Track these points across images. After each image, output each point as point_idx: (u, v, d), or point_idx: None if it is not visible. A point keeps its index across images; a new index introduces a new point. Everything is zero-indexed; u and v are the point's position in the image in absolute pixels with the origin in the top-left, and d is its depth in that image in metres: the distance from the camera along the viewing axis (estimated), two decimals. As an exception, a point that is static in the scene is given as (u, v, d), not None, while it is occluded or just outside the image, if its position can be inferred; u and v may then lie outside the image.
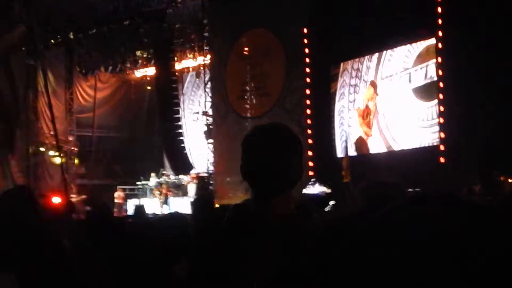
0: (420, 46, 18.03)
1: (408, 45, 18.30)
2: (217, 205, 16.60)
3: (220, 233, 2.97)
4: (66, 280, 4.11)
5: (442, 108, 17.05)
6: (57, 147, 25.29)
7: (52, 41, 27.64)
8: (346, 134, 19.59)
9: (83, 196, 25.70)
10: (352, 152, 19.14)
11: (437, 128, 17.30)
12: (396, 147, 18.45)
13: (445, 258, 1.18)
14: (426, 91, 17.71)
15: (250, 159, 2.94)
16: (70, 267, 4.38)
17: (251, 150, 2.96)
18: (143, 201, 25.31)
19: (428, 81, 17.67)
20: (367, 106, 19.40)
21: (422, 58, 17.94)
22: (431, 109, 17.52)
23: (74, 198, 25.53)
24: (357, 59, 19.88)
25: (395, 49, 18.66)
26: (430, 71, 17.65)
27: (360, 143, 19.37)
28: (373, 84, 19.30)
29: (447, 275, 1.16)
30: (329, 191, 16.96)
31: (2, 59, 26.02)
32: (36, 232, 4.22)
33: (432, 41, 17.47)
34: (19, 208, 4.28)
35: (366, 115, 19.36)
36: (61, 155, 27.82)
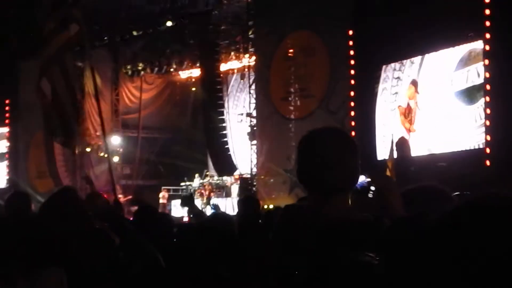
0: (463, 50, 17.85)
1: (451, 47, 18.11)
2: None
3: (269, 232, 2.99)
4: (113, 271, 4.17)
5: (488, 111, 16.87)
6: (105, 149, 25.51)
7: (98, 42, 27.89)
8: (389, 135, 19.44)
9: (129, 197, 25.89)
10: (394, 153, 18.98)
11: (479, 131, 17.13)
12: (437, 149, 18.28)
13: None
14: (468, 95, 17.51)
15: (308, 159, 2.97)
16: (117, 258, 4.44)
17: (309, 150, 2.97)
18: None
19: (470, 85, 17.48)
20: (408, 105, 19.27)
21: (464, 62, 17.75)
22: (473, 112, 17.33)
23: (120, 198, 25.72)
24: (399, 61, 19.73)
25: (437, 52, 18.49)
26: (471, 75, 17.42)
27: (402, 143, 19.12)
28: (414, 83, 19.13)
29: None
30: (369, 179, 16.81)
31: (58, 58, 26.23)
32: (80, 226, 4.31)
33: (475, 45, 17.28)
34: (66, 206, 4.37)
35: (407, 113, 19.23)
36: (108, 155, 28.07)
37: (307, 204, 2.98)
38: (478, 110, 17.13)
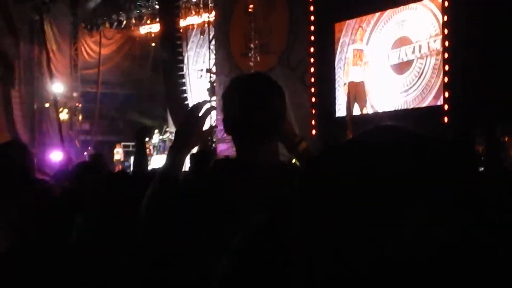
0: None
1: (410, 4, 18.10)
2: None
3: (204, 182, 2.91)
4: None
5: (447, 67, 16.99)
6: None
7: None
8: (347, 91, 19.50)
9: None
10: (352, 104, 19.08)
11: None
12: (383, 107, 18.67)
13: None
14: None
15: (236, 108, 2.89)
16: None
17: (235, 96, 2.90)
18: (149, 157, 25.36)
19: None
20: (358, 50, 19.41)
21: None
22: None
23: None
24: (357, 19, 19.69)
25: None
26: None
27: (356, 87, 19.37)
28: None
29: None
30: None
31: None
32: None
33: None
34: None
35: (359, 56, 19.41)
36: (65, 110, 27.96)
37: (240, 152, 2.93)
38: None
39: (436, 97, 17.39)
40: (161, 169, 3.02)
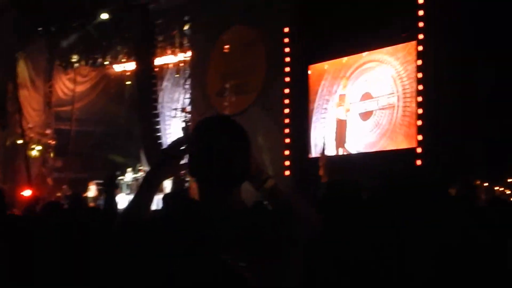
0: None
1: (385, 48, 18.40)
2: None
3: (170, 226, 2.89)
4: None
5: (420, 111, 17.12)
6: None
7: (33, 32, 27.54)
8: (323, 133, 19.62)
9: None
10: (331, 144, 19.22)
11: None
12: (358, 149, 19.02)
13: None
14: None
15: (199, 154, 2.88)
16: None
17: (201, 142, 2.89)
18: (119, 196, 25.25)
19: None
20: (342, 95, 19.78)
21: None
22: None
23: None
24: (336, 60, 19.92)
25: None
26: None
27: (340, 125, 19.74)
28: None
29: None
30: None
31: None
32: None
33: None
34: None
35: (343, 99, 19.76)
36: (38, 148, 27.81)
37: (205, 194, 2.92)
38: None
39: (399, 140, 17.89)
40: (125, 209, 3.00)
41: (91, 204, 23.01)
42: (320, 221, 2.97)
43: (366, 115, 19.01)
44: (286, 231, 2.82)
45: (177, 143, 3.07)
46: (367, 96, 19.08)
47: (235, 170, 2.86)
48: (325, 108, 20.10)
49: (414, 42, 17.63)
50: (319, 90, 20.26)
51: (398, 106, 18.21)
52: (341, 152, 19.47)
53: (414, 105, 17.59)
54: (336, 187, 4.08)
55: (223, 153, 2.83)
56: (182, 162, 3.04)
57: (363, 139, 19.06)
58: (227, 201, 2.86)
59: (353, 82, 19.44)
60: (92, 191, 25.94)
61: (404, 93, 18.02)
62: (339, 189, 4.02)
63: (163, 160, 3.06)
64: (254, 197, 3.26)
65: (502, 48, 15.34)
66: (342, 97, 19.73)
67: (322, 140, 18.89)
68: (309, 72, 20.47)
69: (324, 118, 20.10)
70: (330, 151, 19.11)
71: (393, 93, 18.38)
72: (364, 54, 19.14)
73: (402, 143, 18.02)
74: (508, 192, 15.10)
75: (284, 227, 2.82)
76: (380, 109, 18.67)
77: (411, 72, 17.77)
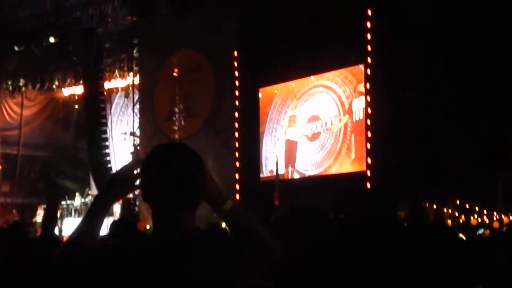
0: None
1: (333, 71, 18.61)
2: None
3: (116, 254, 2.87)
4: None
5: (369, 134, 17.26)
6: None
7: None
8: (275, 154, 19.69)
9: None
10: (281, 164, 19.29)
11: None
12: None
13: None
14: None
15: (152, 178, 2.89)
16: None
17: (154, 169, 2.89)
18: (68, 220, 25.02)
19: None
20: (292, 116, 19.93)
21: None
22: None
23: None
24: (284, 84, 20.06)
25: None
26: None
27: (290, 146, 19.99)
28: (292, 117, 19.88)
29: None
30: None
31: None
32: None
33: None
34: None
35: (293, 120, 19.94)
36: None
37: (153, 223, 2.92)
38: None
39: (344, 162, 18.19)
40: (72, 234, 2.98)
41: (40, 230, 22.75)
42: (279, 248, 2.97)
43: (313, 136, 19.29)
44: (240, 277, 2.80)
45: (128, 167, 3.07)
46: (314, 118, 19.35)
47: (188, 193, 2.86)
48: (275, 129, 20.21)
49: (358, 67, 17.91)
50: (269, 112, 20.36)
51: (341, 129, 18.64)
52: (290, 171, 19.65)
53: (358, 127, 17.87)
54: (298, 214, 4.07)
55: (175, 176, 2.84)
56: (133, 185, 3.04)
57: (310, 159, 19.36)
58: (180, 225, 2.84)
59: (302, 104, 19.62)
60: (40, 216, 25.65)
61: (348, 117, 18.46)
62: (302, 216, 4.01)
63: (114, 183, 3.06)
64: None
65: (450, 69, 15.55)
66: (292, 117, 19.89)
67: (274, 161, 18.89)
68: (260, 95, 20.52)
69: (275, 138, 20.21)
70: (281, 171, 19.15)
71: (337, 116, 18.78)
72: (312, 78, 19.33)
73: (348, 165, 18.28)
74: (456, 213, 15.28)
75: (238, 271, 2.80)
76: (325, 131, 19.06)
77: (353, 97, 18.33)
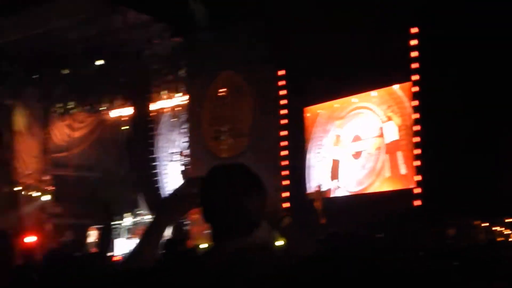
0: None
1: (378, 89, 18.61)
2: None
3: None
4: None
5: (419, 151, 17.21)
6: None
7: (29, 80, 27.64)
8: (319, 172, 19.70)
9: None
10: (327, 183, 19.29)
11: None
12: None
13: None
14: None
15: (213, 201, 2.92)
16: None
17: (214, 191, 2.91)
18: (117, 241, 25.21)
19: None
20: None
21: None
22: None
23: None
24: (328, 104, 20.10)
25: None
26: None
27: (334, 164, 20.01)
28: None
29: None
30: None
31: None
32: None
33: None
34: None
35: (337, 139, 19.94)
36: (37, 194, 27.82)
37: (215, 242, 2.94)
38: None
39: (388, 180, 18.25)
40: (130, 254, 3.03)
41: (93, 250, 22.99)
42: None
43: (357, 155, 19.38)
44: None
45: (186, 186, 3.11)
46: (356, 138, 19.48)
47: (250, 217, 2.90)
48: (320, 147, 20.23)
49: (400, 86, 17.95)
50: (313, 131, 20.38)
51: (379, 148, 18.84)
52: (334, 188, 19.72)
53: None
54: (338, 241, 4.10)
55: (238, 200, 2.88)
56: (192, 205, 3.07)
57: (353, 177, 19.46)
58: (240, 247, 2.89)
59: (345, 124, 19.80)
60: (92, 236, 25.88)
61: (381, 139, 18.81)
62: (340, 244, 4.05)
63: (172, 203, 3.10)
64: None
65: (499, 84, 15.45)
66: (337, 137, 19.89)
67: (319, 179, 18.90)
68: (307, 114, 20.58)
69: (319, 156, 20.24)
70: (326, 189, 19.18)
71: (375, 136, 19.01)
72: (355, 100, 19.53)
73: (391, 183, 18.40)
74: (507, 231, 15.09)
75: None
76: (366, 150, 19.23)
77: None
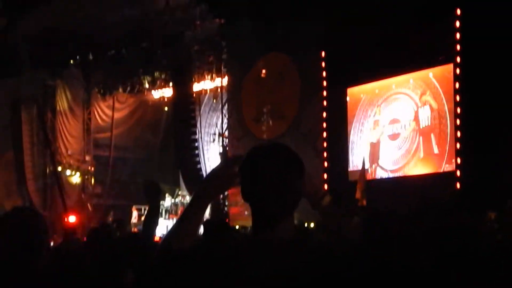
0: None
1: (421, 70, 18.50)
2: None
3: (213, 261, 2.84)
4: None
5: (459, 134, 17.09)
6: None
7: (71, 61, 27.86)
8: (362, 154, 19.65)
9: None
10: (367, 165, 19.29)
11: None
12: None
13: None
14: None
15: (253, 181, 2.87)
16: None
17: (254, 171, 2.89)
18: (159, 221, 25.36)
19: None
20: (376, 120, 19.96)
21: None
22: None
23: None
24: (370, 89, 20.06)
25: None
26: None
27: (373, 147, 20.06)
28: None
29: None
30: None
31: None
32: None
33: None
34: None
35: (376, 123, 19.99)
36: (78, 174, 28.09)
37: (254, 225, 2.90)
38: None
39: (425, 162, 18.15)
40: (169, 234, 3.03)
41: (134, 230, 23.18)
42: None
43: (394, 137, 19.50)
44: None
45: (226, 165, 3.10)
46: (394, 121, 19.53)
47: (289, 194, 2.85)
48: (361, 131, 20.20)
49: (440, 69, 17.86)
50: (356, 115, 20.35)
51: (415, 130, 18.95)
52: (373, 169, 19.90)
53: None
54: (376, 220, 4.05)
55: (276, 180, 2.82)
56: (231, 184, 3.06)
57: (391, 158, 19.65)
58: (280, 227, 2.83)
59: (384, 108, 19.82)
60: (134, 216, 26.10)
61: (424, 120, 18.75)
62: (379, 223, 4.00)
63: (212, 181, 3.10)
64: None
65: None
66: (376, 122, 19.87)
67: (361, 161, 18.82)
68: (347, 98, 20.52)
69: (360, 140, 20.21)
70: (366, 170, 19.13)
71: (411, 120, 19.19)
72: (393, 86, 19.59)
73: (425, 164, 18.51)
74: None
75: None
76: (403, 132, 19.35)
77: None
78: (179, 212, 24.93)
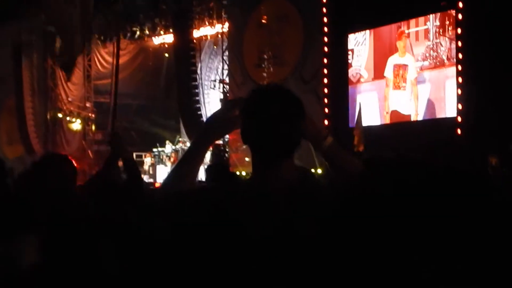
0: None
1: (423, 16, 18.34)
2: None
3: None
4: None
5: (460, 80, 17.02)
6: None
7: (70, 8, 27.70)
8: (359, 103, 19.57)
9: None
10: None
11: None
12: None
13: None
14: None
15: (253, 122, 2.86)
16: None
17: (254, 113, 2.87)
18: (159, 168, 25.45)
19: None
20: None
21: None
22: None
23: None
24: (375, 29, 19.87)
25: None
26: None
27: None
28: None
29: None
30: None
31: None
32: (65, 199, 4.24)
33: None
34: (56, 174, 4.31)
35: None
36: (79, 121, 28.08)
37: (255, 168, 2.92)
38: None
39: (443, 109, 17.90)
40: (168, 178, 3.02)
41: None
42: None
43: (398, 86, 19.27)
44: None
45: (226, 108, 3.11)
46: (399, 68, 19.26)
47: (289, 136, 2.84)
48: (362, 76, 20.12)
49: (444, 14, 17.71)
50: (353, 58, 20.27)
51: (422, 77, 18.67)
52: (375, 115, 19.71)
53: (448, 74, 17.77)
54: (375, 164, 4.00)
55: (276, 121, 2.81)
56: (232, 127, 3.05)
57: (396, 105, 19.38)
58: (281, 170, 2.82)
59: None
60: (147, 164, 26.29)
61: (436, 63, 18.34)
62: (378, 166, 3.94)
63: (212, 125, 3.10)
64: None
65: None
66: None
67: (357, 108, 18.78)
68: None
69: (360, 85, 20.15)
70: (367, 119, 19.06)
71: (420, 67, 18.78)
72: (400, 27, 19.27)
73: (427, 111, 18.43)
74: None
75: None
76: (410, 79, 19.01)
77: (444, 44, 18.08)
78: (178, 158, 25.01)
